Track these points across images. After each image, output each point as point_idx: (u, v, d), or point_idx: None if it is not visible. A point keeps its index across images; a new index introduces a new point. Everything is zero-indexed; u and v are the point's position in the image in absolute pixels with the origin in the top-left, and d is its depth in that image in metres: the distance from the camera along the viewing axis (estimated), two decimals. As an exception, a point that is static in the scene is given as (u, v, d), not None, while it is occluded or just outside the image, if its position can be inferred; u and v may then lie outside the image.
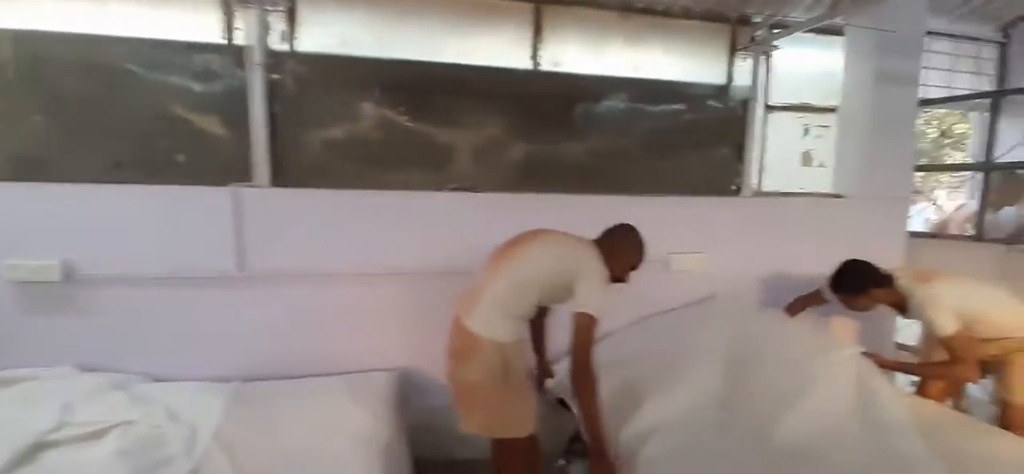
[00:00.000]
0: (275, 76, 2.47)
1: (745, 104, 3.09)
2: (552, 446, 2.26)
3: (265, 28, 2.41)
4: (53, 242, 2.10)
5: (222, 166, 2.45)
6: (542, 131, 2.85)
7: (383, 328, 2.45)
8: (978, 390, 2.85)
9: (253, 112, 2.38)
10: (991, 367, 2.16)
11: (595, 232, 1.90)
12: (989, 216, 3.10)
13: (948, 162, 6.13)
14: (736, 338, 2.27)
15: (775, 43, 2.97)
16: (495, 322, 1.68)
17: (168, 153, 2.43)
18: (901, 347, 3.17)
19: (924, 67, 3.20)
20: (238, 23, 2.43)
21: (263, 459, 1.64)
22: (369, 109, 2.62)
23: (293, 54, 2.52)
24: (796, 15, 3.03)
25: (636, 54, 2.95)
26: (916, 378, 2.45)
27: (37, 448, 1.64)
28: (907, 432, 1.72)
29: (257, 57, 2.35)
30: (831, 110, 3.28)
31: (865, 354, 2.03)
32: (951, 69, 3.72)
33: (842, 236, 2.91)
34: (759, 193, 3.19)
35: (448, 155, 2.74)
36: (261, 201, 2.29)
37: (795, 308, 2.50)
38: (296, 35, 2.53)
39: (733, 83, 3.09)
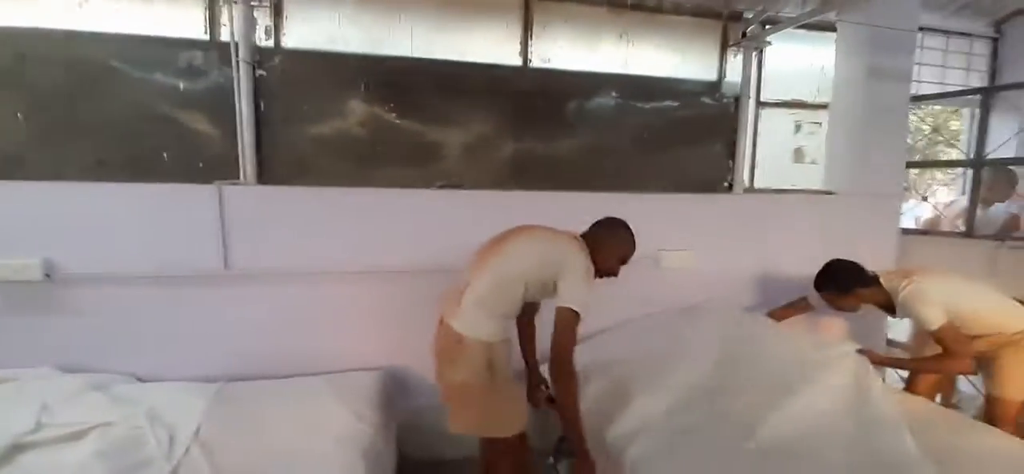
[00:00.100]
0: (261, 72, 2.45)
1: (736, 100, 3.07)
2: (541, 445, 2.25)
3: (250, 24, 2.38)
4: (34, 241, 2.07)
5: (208, 164, 2.42)
6: (532, 128, 2.83)
7: (370, 327, 2.43)
8: (969, 386, 2.85)
9: (239, 109, 2.35)
10: (980, 363, 2.15)
11: (584, 229, 1.88)
12: (980, 212, 3.09)
13: (942, 159, 6.14)
14: (728, 337, 2.26)
15: (767, 39, 2.96)
16: (480, 321, 1.66)
17: (152, 151, 2.41)
18: (892, 343, 3.17)
19: (916, 63, 3.19)
20: (223, 18, 2.40)
21: (244, 460, 1.62)
22: (356, 106, 2.60)
23: (279, 50, 2.50)
24: (788, 10, 3.02)
25: (627, 50, 2.94)
26: (905, 374, 2.44)
27: (14, 450, 1.61)
28: (900, 431, 1.71)
29: (242, 53, 2.32)
30: (823, 107, 3.27)
31: (860, 351, 2.01)
32: (943, 65, 3.72)
33: (834, 233, 2.92)
34: (750, 190, 3.18)
35: (437, 153, 2.72)
36: (247, 199, 2.26)
37: (779, 315, 2.48)
38: (282, 31, 2.50)
39: (724, 79, 3.08)
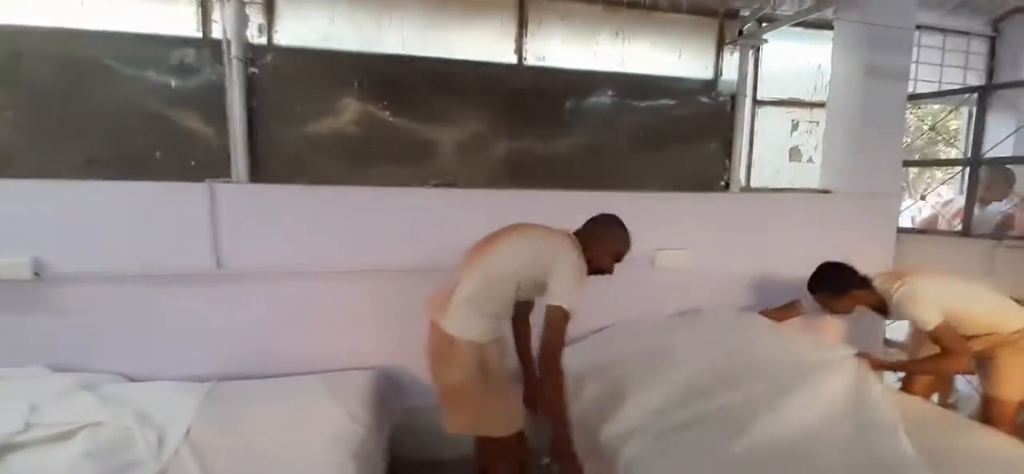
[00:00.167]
0: (253, 70, 2.43)
1: (733, 99, 3.06)
2: (537, 443, 2.23)
3: (242, 21, 2.37)
4: (24, 239, 2.05)
5: (200, 162, 2.41)
6: (527, 126, 2.82)
7: (363, 326, 2.41)
8: (966, 386, 2.84)
9: (231, 107, 2.33)
10: (977, 364, 2.14)
11: (578, 227, 1.86)
12: (977, 212, 3.08)
13: (941, 158, 6.14)
14: (724, 338, 2.25)
15: (763, 37, 2.94)
16: (470, 322, 1.64)
17: (144, 149, 2.39)
18: (890, 343, 3.16)
19: (913, 61, 3.18)
20: (215, 16, 2.39)
21: (233, 460, 1.60)
22: (350, 104, 2.59)
23: (272, 48, 2.48)
24: (784, 8, 3.00)
25: (623, 48, 2.93)
26: (901, 374, 2.43)
27: (3, 450, 1.59)
28: (898, 434, 1.70)
29: (234, 50, 2.30)
30: (820, 105, 3.26)
31: (859, 355, 2.00)
32: (941, 64, 3.70)
33: (831, 232, 2.90)
34: (747, 189, 3.16)
35: (431, 151, 2.70)
36: (239, 197, 2.24)
37: (771, 317, 2.46)
38: (275, 28, 2.49)
39: (721, 78, 3.07)
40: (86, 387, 1.93)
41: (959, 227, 3.08)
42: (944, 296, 1.99)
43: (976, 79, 3.78)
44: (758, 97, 3.18)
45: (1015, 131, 3.26)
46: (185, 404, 1.86)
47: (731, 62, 3.05)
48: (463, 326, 1.63)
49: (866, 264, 2.22)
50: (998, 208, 3.17)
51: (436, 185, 2.54)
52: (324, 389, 2.02)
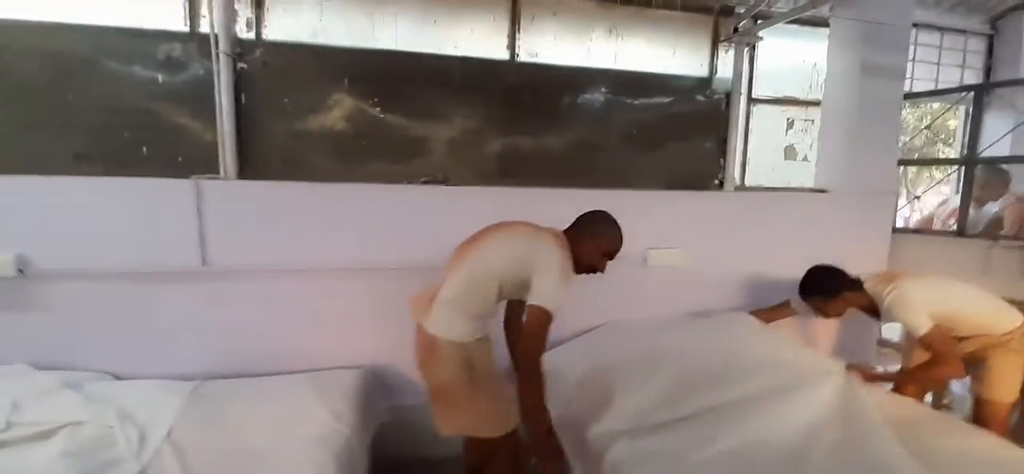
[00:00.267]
0: (242, 65, 2.41)
1: (728, 97, 3.03)
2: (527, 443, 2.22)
3: (230, 15, 2.34)
4: (8, 236, 2.03)
5: (188, 158, 2.38)
6: (519, 123, 2.79)
7: (352, 324, 2.39)
8: (960, 387, 2.82)
9: (218, 102, 2.31)
10: (969, 366, 2.12)
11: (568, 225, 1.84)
12: (973, 212, 3.05)
13: (940, 157, 6.12)
14: (715, 340, 2.23)
15: (758, 34, 2.91)
16: (453, 322, 1.61)
17: (131, 144, 2.37)
18: (884, 344, 3.14)
19: (910, 60, 3.15)
20: (202, 10, 2.36)
21: (215, 460, 1.58)
22: (340, 100, 2.56)
23: (261, 42, 2.46)
24: (780, 5, 2.97)
25: (616, 45, 2.90)
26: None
27: (-18, 449, 1.58)
28: (890, 437, 1.68)
29: (222, 45, 2.28)
30: (815, 103, 3.23)
31: (849, 367, 1.98)
32: (938, 62, 3.68)
33: (826, 232, 2.88)
34: (741, 188, 3.14)
35: (422, 148, 2.68)
36: (226, 194, 2.22)
37: (762, 317, 2.44)
38: (264, 23, 2.46)
39: (716, 75, 3.04)
40: (69, 385, 1.91)
41: (954, 227, 3.06)
42: (935, 299, 1.98)
43: (974, 78, 3.75)
44: (753, 95, 3.15)
45: (1011, 130, 3.23)
46: (168, 403, 1.84)
47: (726, 59, 3.02)
48: (446, 327, 1.61)
49: (861, 264, 2.20)
50: (993, 209, 3.15)
51: (426, 182, 2.51)
52: (310, 388, 2.00)
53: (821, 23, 3.10)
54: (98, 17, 2.30)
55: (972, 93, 3.04)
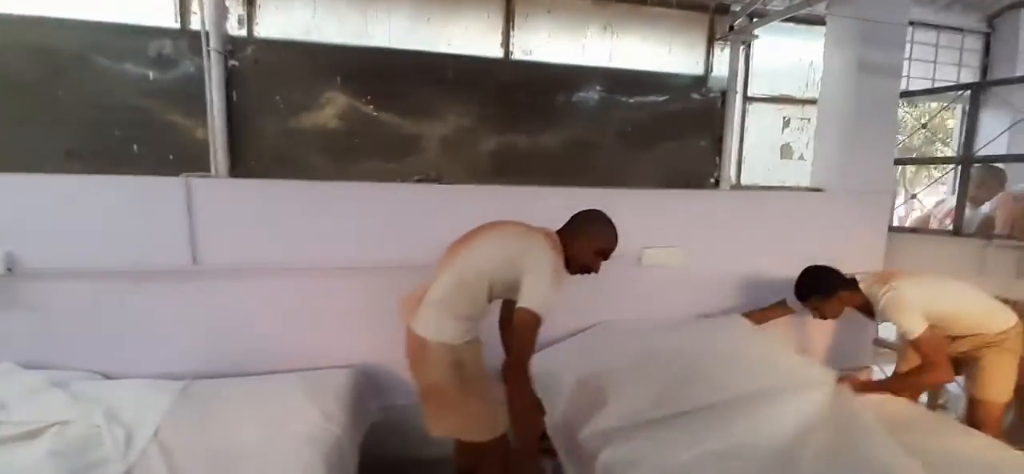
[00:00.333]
0: (233, 62, 2.39)
1: (723, 95, 3.02)
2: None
3: (222, 12, 2.32)
4: (-4, 234, 2.02)
5: (178, 156, 2.37)
6: (513, 121, 2.78)
7: (344, 323, 2.37)
8: (956, 386, 2.81)
9: (209, 100, 2.29)
10: (962, 364, 2.12)
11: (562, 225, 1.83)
12: (969, 211, 3.04)
13: (937, 156, 6.12)
14: (707, 341, 2.22)
15: (754, 32, 2.90)
16: (441, 324, 1.60)
17: (122, 142, 2.35)
18: (880, 343, 3.13)
19: (907, 58, 3.14)
20: (194, 6, 2.34)
21: (201, 459, 1.57)
22: (333, 97, 2.55)
23: (252, 40, 2.44)
24: (776, 3, 2.96)
25: (611, 43, 2.88)
26: (888, 370, 2.40)
27: (-33, 449, 1.56)
28: (883, 438, 1.67)
29: (213, 42, 2.26)
30: (811, 102, 3.22)
31: (841, 378, 1.97)
32: (934, 61, 3.66)
33: (822, 231, 2.87)
34: (737, 186, 3.13)
35: (415, 146, 2.67)
36: (216, 192, 2.20)
37: (757, 318, 2.44)
38: (256, 20, 2.44)
39: (711, 73, 3.03)
40: (57, 384, 1.90)
41: (950, 226, 3.05)
42: (930, 298, 1.97)
43: (970, 76, 3.74)
44: (749, 93, 3.14)
45: (1008, 128, 3.22)
46: (156, 402, 1.82)
47: (722, 57, 3.01)
48: (435, 328, 1.59)
49: (857, 263, 2.19)
50: (987, 208, 3.14)
51: (420, 181, 2.49)
52: (300, 388, 1.99)
53: (817, 21, 3.09)
54: (89, 13, 2.28)
55: (969, 92, 3.03)
